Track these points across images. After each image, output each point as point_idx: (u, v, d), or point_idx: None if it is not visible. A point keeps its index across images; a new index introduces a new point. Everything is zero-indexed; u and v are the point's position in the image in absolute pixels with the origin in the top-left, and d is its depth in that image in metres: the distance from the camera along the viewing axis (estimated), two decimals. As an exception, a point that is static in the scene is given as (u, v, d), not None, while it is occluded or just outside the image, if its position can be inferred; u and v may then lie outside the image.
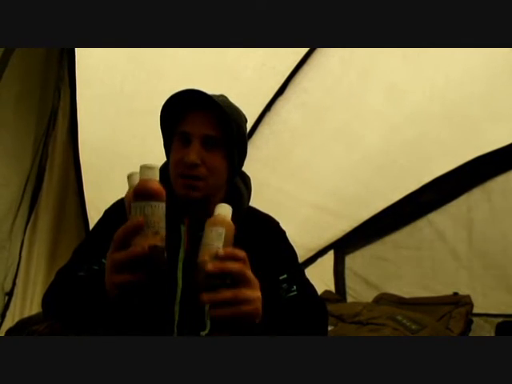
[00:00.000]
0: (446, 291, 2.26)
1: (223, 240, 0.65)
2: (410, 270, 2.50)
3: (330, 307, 2.08)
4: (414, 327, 1.82)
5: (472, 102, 1.95)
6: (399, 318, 1.90)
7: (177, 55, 1.75)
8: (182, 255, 0.87)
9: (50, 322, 1.53)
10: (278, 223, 1.01)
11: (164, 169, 0.95)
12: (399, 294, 2.43)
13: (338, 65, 1.95)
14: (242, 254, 0.64)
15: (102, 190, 2.05)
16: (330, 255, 2.81)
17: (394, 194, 2.44)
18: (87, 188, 2.15)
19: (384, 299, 2.42)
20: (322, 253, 2.80)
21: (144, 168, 0.65)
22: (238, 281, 0.63)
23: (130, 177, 0.77)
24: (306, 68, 1.97)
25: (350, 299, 2.72)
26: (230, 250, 0.64)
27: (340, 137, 2.21)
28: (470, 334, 2.02)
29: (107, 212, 0.96)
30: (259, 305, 0.65)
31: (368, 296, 2.56)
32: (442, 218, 2.41)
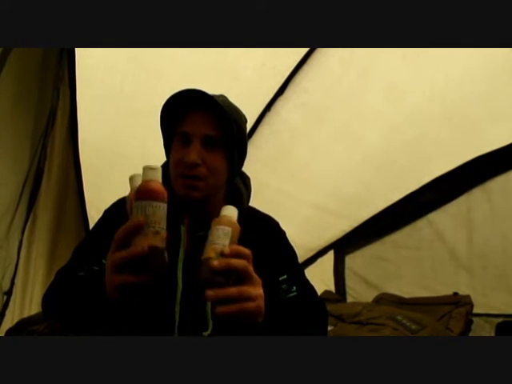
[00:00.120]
0: (446, 291, 2.26)
1: (229, 239, 0.66)
2: (410, 270, 2.50)
3: (330, 307, 2.08)
4: (414, 327, 1.82)
5: (472, 102, 1.95)
6: (399, 317, 1.90)
7: (177, 55, 1.74)
8: (181, 255, 0.87)
9: (50, 321, 1.53)
10: (277, 223, 1.01)
11: (164, 169, 0.95)
12: (399, 294, 2.43)
13: (338, 65, 1.94)
14: (247, 251, 0.65)
15: (102, 190, 2.05)
16: (330, 255, 2.81)
17: (394, 193, 2.44)
18: (87, 188, 2.15)
19: (384, 299, 2.42)
20: (322, 253, 2.79)
21: (147, 169, 0.65)
22: (242, 278, 0.63)
23: (131, 179, 0.77)
24: (305, 68, 1.97)
25: (350, 299, 2.71)
26: (236, 247, 0.65)
27: (340, 137, 2.21)
28: (470, 334, 2.02)
29: (107, 212, 0.96)
30: (262, 303, 0.65)
31: (368, 296, 2.56)
32: (442, 218, 2.41)
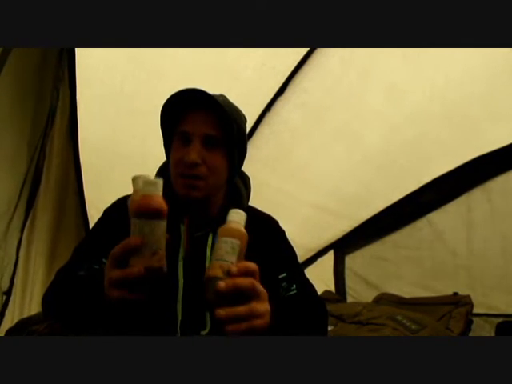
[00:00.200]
0: (446, 291, 2.26)
1: (237, 254, 0.64)
2: (410, 270, 2.50)
3: (330, 307, 2.08)
4: (414, 327, 1.82)
5: (472, 102, 1.95)
6: (399, 318, 1.90)
7: (177, 55, 1.75)
8: (181, 254, 0.87)
9: (50, 321, 1.53)
10: (277, 222, 1.01)
11: (164, 168, 0.95)
12: (399, 294, 2.43)
13: (338, 65, 1.95)
14: (253, 267, 0.64)
15: (102, 190, 2.05)
16: (330, 255, 2.81)
17: (394, 194, 2.44)
18: (87, 188, 2.15)
19: (384, 299, 2.42)
20: (322, 253, 2.80)
21: (146, 183, 0.64)
22: (249, 296, 0.63)
23: (134, 180, 0.73)
24: (306, 68, 1.97)
25: (350, 299, 2.72)
26: (243, 266, 0.64)
27: (340, 137, 2.21)
28: (470, 334, 2.02)
29: (107, 211, 0.96)
30: (268, 317, 0.65)
31: (368, 296, 2.56)
32: (442, 218, 2.40)
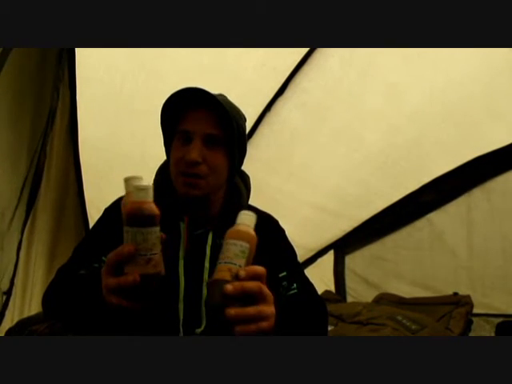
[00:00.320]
0: (446, 291, 2.26)
1: (246, 258, 0.64)
2: (410, 270, 2.50)
3: (330, 307, 2.08)
4: (413, 327, 1.82)
5: (472, 102, 1.95)
6: (399, 317, 1.90)
7: (177, 55, 1.75)
8: (182, 253, 0.87)
9: (50, 321, 1.53)
10: (277, 221, 1.01)
11: (164, 167, 0.95)
12: (399, 294, 2.43)
13: (337, 65, 1.95)
14: (262, 271, 0.64)
15: (102, 190, 2.05)
16: (330, 255, 2.81)
17: (394, 194, 2.44)
18: (87, 188, 2.15)
19: (384, 299, 2.42)
20: (322, 253, 2.80)
21: (137, 189, 0.62)
22: (256, 298, 0.63)
23: (126, 181, 0.69)
24: (306, 68, 1.97)
25: (350, 299, 2.72)
26: (252, 270, 0.64)
27: (340, 137, 2.21)
28: (470, 334, 2.02)
29: (107, 210, 0.96)
30: (273, 320, 0.65)
31: (368, 296, 2.56)
32: (442, 218, 2.41)
